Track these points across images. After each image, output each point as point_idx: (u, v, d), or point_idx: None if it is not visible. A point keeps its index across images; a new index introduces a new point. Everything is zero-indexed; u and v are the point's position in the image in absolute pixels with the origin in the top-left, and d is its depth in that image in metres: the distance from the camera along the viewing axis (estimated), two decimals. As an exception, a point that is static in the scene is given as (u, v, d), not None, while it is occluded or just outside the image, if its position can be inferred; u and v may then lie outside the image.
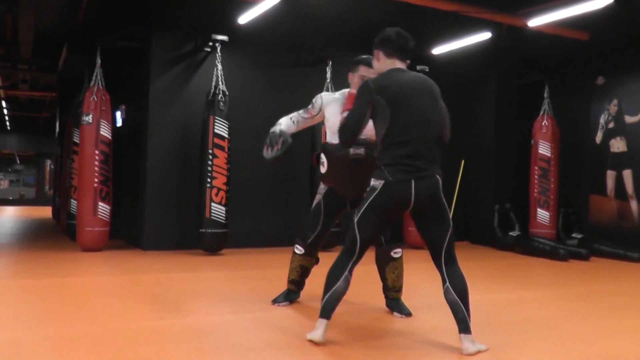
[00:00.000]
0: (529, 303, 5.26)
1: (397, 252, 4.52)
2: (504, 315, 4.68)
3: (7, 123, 25.54)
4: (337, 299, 3.55)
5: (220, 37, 8.20)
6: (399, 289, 4.54)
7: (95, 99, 8.03)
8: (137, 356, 3.34)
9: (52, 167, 24.30)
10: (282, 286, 4.91)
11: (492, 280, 6.68)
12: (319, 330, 3.55)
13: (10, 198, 34.16)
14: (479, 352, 3.41)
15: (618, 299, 5.63)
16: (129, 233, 9.28)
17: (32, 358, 3.31)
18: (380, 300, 4.72)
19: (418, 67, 9.57)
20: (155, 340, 3.68)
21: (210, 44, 8.35)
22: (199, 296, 5.23)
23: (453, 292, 3.41)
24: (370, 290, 5.07)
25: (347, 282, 3.54)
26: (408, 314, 4.46)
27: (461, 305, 3.39)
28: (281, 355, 3.42)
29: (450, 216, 3.53)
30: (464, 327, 3.39)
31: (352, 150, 4.16)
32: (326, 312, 3.55)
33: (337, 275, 3.53)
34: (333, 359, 3.37)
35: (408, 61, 3.70)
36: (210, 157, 7.80)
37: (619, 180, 9.13)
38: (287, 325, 4.09)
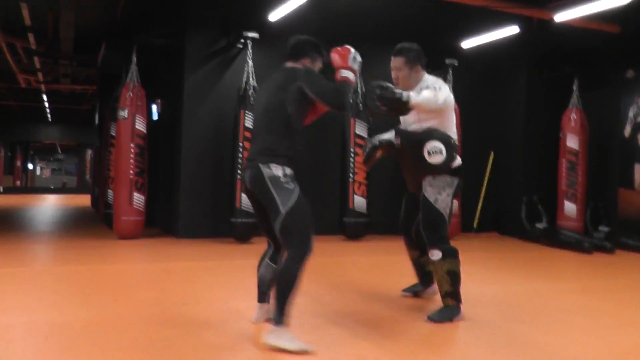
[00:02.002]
0: (547, 295, 5.31)
1: (433, 254, 4.14)
2: (520, 307, 4.74)
3: (49, 115, 26.30)
4: (262, 284, 3.89)
5: (251, 34, 8.43)
6: (444, 295, 4.14)
7: (131, 95, 8.35)
8: (162, 338, 3.58)
9: (93, 156, 24.90)
10: (309, 274, 5.04)
11: (514, 272, 6.75)
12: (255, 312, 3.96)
13: (52, 187, 34.82)
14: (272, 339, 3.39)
15: (638, 294, 5.64)
16: (164, 222, 9.62)
17: (64, 336, 3.59)
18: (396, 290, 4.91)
19: (447, 61, 9.67)
20: (182, 324, 3.90)
21: (242, 40, 8.59)
22: (227, 283, 5.49)
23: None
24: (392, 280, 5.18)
25: (265, 268, 3.87)
26: (431, 319, 4.11)
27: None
28: (303, 341, 3.62)
29: (283, 206, 3.47)
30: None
31: (395, 141, 4.41)
32: (258, 295, 3.94)
33: (260, 262, 3.93)
34: (359, 344, 3.57)
35: (302, 59, 3.90)
36: (241, 149, 8.05)
37: (648, 174, 9.08)
38: (312, 312, 4.26)
